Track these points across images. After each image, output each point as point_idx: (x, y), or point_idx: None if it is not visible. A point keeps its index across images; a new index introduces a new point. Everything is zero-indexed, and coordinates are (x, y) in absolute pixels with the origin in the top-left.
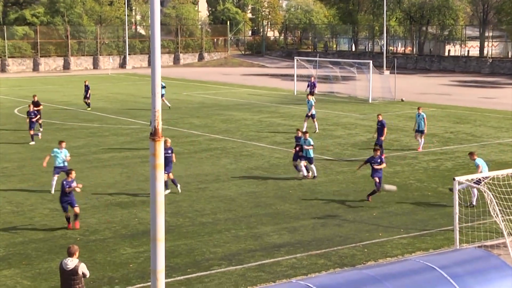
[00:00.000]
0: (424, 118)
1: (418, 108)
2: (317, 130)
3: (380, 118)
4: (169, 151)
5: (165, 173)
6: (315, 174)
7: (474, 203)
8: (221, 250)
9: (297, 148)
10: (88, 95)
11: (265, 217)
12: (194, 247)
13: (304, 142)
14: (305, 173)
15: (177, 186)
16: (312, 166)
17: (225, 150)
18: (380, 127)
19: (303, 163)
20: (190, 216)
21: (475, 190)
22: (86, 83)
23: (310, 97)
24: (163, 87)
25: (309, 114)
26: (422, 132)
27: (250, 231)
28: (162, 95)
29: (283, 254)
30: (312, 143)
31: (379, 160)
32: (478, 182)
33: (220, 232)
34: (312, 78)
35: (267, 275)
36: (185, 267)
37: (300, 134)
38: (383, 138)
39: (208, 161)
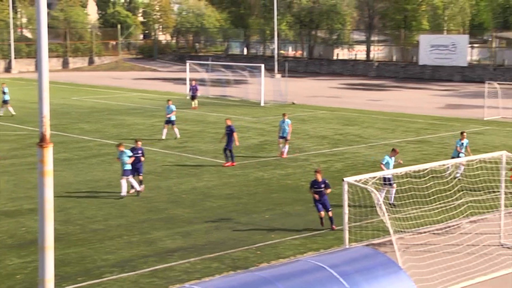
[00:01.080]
0: (289, 125)
1: (283, 115)
2: (178, 136)
3: (229, 123)
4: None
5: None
6: (138, 189)
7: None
8: (113, 257)
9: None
10: None
11: (158, 222)
12: (85, 254)
13: (120, 154)
14: (124, 193)
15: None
16: (131, 179)
17: (117, 155)
18: (229, 132)
19: (124, 181)
20: (81, 223)
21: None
22: None
23: (171, 102)
24: (4, 93)
25: (168, 119)
26: (285, 138)
27: (143, 236)
28: (7, 101)
29: (177, 259)
30: (130, 154)
31: (322, 186)
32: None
33: (112, 238)
34: (193, 82)
35: (160, 281)
36: (75, 276)
37: (139, 145)
38: (237, 143)
39: (100, 167)
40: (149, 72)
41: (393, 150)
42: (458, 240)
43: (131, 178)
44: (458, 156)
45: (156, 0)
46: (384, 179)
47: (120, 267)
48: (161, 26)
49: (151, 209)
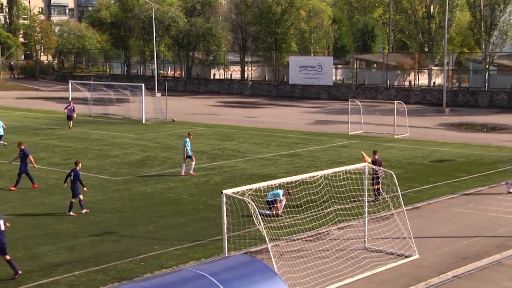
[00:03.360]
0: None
1: (188, 135)
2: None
3: (22, 147)
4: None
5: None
6: None
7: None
8: None
9: None
10: None
11: (43, 238)
12: None
13: None
14: None
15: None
16: None
17: None
18: (23, 155)
19: None
20: None
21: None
22: None
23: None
24: None
25: None
26: (190, 157)
27: (28, 252)
28: None
29: (62, 273)
30: None
31: None
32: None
33: None
34: (71, 103)
35: None
36: None
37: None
38: (35, 166)
39: None
40: (32, 92)
41: (288, 192)
42: (328, 245)
43: None
44: None
45: (36, 22)
46: (268, 202)
47: (3, 283)
48: (42, 47)
49: (36, 225)
